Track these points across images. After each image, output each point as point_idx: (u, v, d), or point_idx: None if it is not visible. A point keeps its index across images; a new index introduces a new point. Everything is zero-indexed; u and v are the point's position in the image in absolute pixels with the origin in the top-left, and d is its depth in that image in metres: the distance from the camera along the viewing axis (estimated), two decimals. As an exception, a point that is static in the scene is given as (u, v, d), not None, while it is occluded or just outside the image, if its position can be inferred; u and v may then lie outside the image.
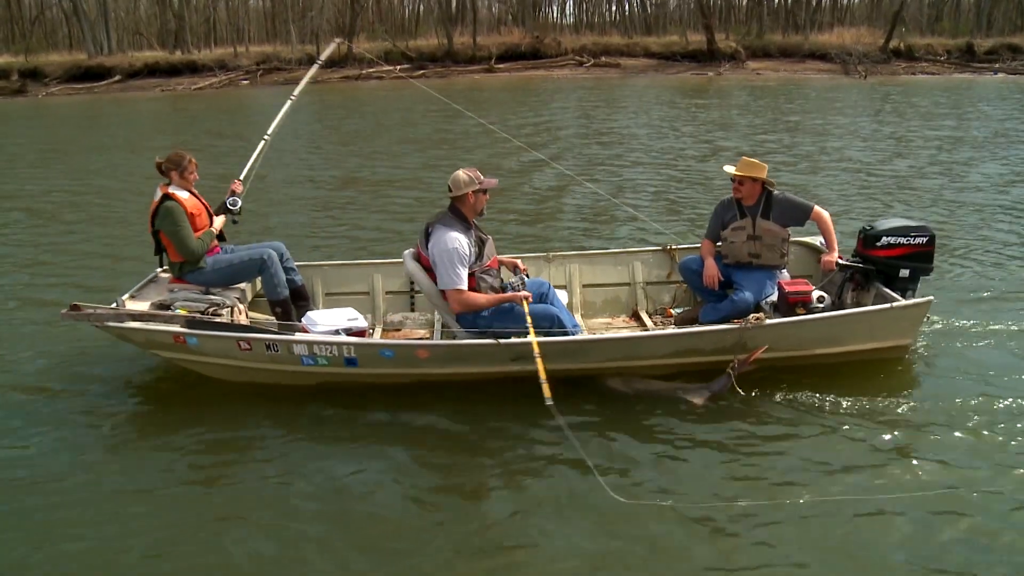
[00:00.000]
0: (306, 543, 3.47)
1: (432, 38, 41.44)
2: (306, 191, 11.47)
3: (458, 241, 4.56)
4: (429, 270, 4.74)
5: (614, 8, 53.45)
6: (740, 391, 4.53)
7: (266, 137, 6.02)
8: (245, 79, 35.52)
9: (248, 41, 42.54)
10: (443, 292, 4.63)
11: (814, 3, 46.35)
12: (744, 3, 48.57)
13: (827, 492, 3.66)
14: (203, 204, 5.27)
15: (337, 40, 7.06)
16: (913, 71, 34.17)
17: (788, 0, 45.88)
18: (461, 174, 4.67)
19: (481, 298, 4.68)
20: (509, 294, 4.74)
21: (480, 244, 4.71)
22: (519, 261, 5.17)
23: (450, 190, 4.68)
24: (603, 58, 36.99)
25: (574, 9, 53.46)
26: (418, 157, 14.26)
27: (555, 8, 49.93)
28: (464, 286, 4.59)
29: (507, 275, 5.10)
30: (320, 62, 6.70)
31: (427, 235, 4.71)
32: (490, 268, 4.75)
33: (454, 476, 4.01)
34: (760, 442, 4.13)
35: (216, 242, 5.34)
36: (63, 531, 3.59)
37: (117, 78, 36.18)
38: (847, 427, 4.23)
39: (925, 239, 5.02)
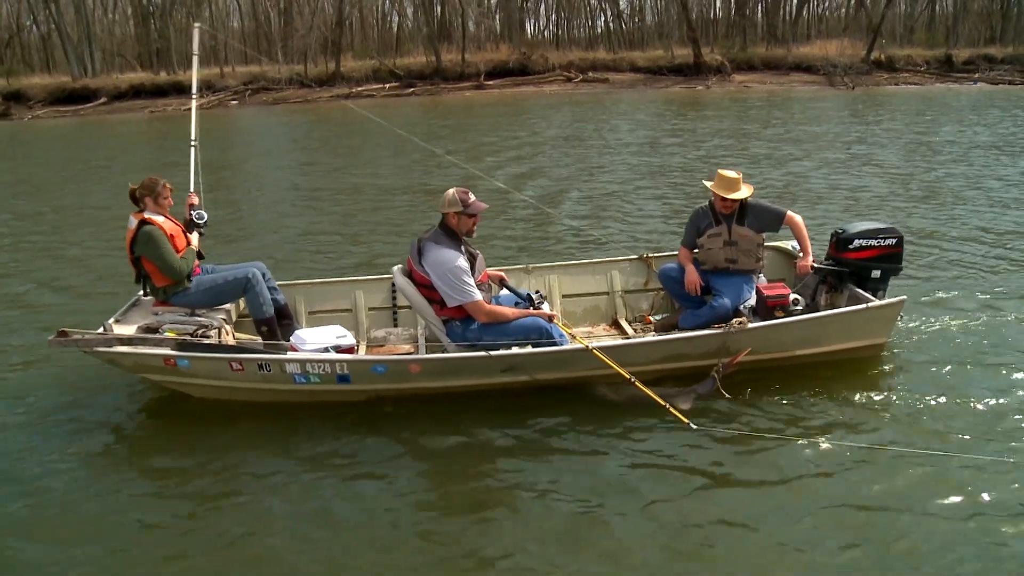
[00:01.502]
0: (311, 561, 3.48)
1: (419, 55, 41.50)
2: (282, 211, 11.40)
3: (455, 256, 4.61)
4: (420, 285, 4.76)
5: (597, 23, 53.97)
6: (725, 393, 4.66)
7: (193, 143, 5.98)
8: (234, 99, 35.32)
9: (234, 61, 42.20)
10: (462, 306, 4.67)
11: (791, 16, 47.18)
12: (723, 16, 49.31)
13: (807, 481, 3.87)
14: (179, 226, 5.28)
15: (196, 26, 6.60)
16: (896, 81, 34.87)
17: (766, 12, 46.66)
18: (449, 193, 4.70)
19: (508, 311, 4.75)
20: (536, 311, 4.85)
21: (471, 259, 4.75)
22: (502, 274, 5.26)
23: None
24: (591, 73, 37.34)
25: (552, 25, 53.79)
26: (400, 174, 14.31)
27: (530, 23, 50.06)
28: (480, 297, 4.65)
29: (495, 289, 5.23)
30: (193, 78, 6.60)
31: (419, 251, 4.73)
32: (480, 283, 4.79)
33: (449, 485, 4.05)
34: (744, 436, 4.27)
35: (196, 261, 5.33)
36: (51, 555, 3.59)
37: (103, 100, 35.85)
38: (825, 423, 4.39)
39: (894, 240, 5.22)
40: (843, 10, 52.65)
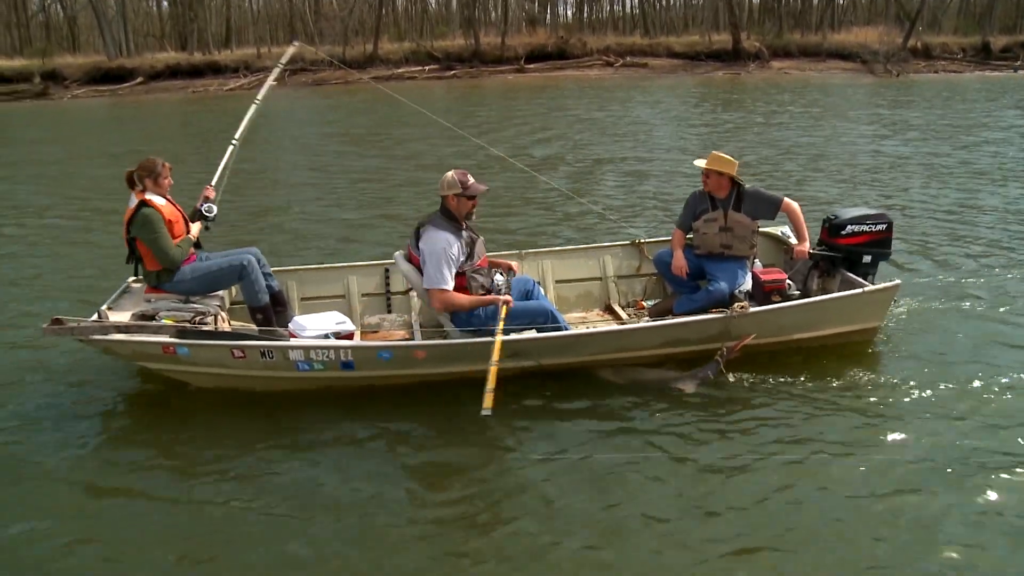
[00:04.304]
0: (307, 552, 3.42)
1: (456, 39, 41.34)
2: (281, 195, 11.29)
3: (447, 241, 4.59)
4: (422, 270, 4.77)
5: (619, 7, 53.78)
6: (729, 377, 4.72)
7: (234, 142, 5.85)
8: (274, 80, 35.14)
9: (270, 42, 42.05)
10: (427, 290, 4.67)
11: (822, 2, 47.07)
12: (758, 2, 49.16)
13: (808, 458, 3.96)
14: (179, 211, 5.12)
15: (296, 44, 6.69)
16: (934, 69, 34.85)
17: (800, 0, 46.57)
18: (448, 175, 4.69)
19: (463, 299, 4.68)
20: (491, 297, 4.76)
21: (471, 244, 4.74)
22: (513, 263, 5.24)
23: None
24: (628, 58, 37.25)
25: (573, 9, 53.49)
26: (405, 158, 14.27)
27: (551, 8, 49.60)
28: (449, 286, 4.60)
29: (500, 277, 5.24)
30: (282, 65, 6.43)
31: (417, 236, 4.75)
32: (480, 267, 4.79)
33: (454, 471, 4.02)
34: (748, 418, 4.35)
35: (192, 250, 5.18)
36: (46, 550, 3.50)
37: (139, 80, 35.70)
38: (822, 404, 4.48)
39: (884, 226, 5.35)
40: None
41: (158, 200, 4.93)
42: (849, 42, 38.16)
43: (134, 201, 4.91)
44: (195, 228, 5.22)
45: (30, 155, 16.62)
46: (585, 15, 51.28)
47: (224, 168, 5.71)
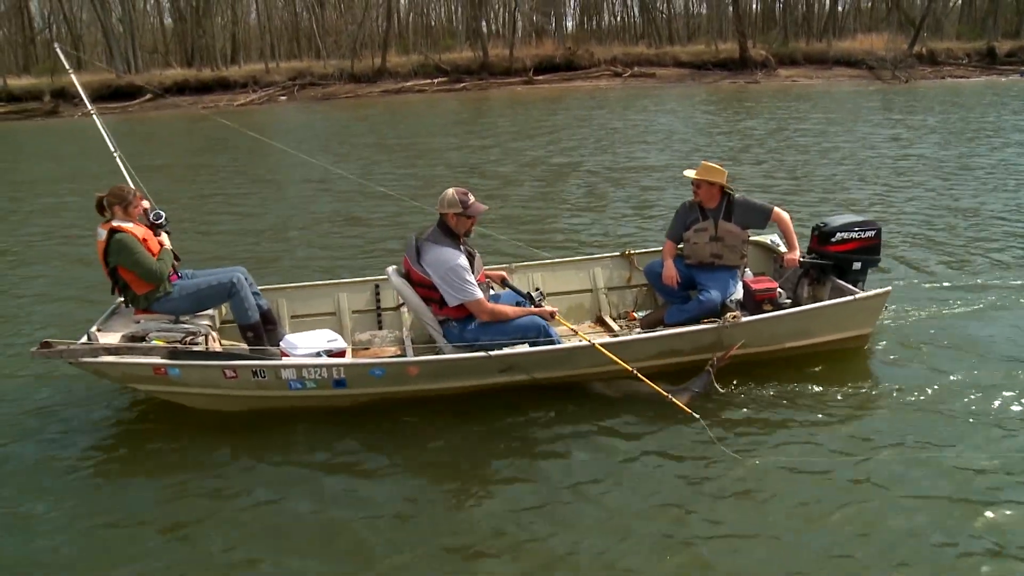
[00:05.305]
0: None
1: (464, 51, 41.48)
2: (261, 214, 11.22)
3: (456, 255, 4.59)
4: (418, 285, 4.73)
5: (618, 16, 54.05)
6: (719, 388, 4.70)
7: (115, 153, 5.82)
8: (283, 95, 35.29)
9: (279, 57, 42.16)
10: (462, 305, 4.65)
11: (826, 9, 47.38)
12: (763, 10, 49.45)
13: (801, 464, 3.98)
14: (148, 229, 5.13)
15: (57, 45, 6.77)
16: (940, 75, 35.07)
17: (802, 7, 46.86)
18: (449, 193, 4.65)
19: (509, 309, 4.72)
20: (537, 308, 4.82)
21: (470, 259, 4.71)
22: (504, 273, 5.21)
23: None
24: (636, 68, 37.42)
25: (574, 19, 53.76)
26: (395, 173, 14.27)
27: (560, 15, 49.77)
28: (482, 295, 4.63)
29: (497, 288, 5.24)
30: (71, 70, 6.52)
31: (418, 250, 4.70)
32: (479, 283, 4.76)
33: (448, 488, 4.01)
34: (741, 428, 4.38)
35: (173, 261, 5.19)
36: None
37: (148, 96, 35.71)
38: (815, 412, 4.50)
39: (873, 232, 5.39)
40: (872, 3, 52.79)
41: (126, 225, 4.94)
42: (855, 49, 38.38)
43: (103, 234, 4.90)
44: (165, 239, 5.20)
45: (46, 173, 16.63)
46: (586, 26, 51.62)
47: (131, 177, 5.69)
